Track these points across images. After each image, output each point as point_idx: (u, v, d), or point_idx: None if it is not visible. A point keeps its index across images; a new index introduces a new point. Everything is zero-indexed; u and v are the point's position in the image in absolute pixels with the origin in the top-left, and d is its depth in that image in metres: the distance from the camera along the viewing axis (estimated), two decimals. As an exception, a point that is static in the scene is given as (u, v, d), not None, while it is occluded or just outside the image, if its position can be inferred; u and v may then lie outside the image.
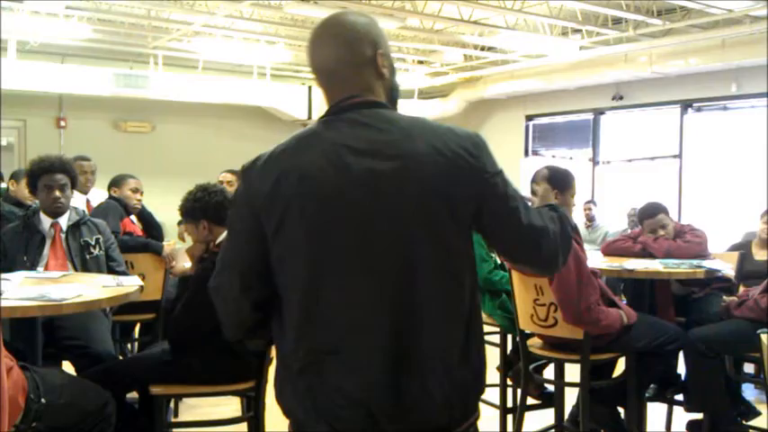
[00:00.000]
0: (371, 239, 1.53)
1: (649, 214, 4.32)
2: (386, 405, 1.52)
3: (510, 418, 3.87)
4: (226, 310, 1.69)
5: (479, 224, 1.63)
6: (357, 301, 1.53)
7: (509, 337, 3.97)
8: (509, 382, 3.92)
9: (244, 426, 3.24)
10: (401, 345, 1.53)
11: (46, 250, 3.72)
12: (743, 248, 4.83)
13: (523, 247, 1.69)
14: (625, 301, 4.01)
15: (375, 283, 1.53)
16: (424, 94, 12.60)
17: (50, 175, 3.73)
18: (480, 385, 1.67)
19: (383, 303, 1.53)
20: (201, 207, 3.20)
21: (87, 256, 3.75)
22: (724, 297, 3.88)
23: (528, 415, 3.67)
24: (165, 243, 4.72)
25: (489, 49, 10.54)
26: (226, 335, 1.76)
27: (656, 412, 4.18)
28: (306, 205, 1.53)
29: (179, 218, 3.41)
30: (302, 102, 12.20)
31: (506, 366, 3.93)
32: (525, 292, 3.45)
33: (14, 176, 5.66)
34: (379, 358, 1.52)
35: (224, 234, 3.16)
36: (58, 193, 3.72)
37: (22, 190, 5.35)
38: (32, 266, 3.63)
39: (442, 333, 1.56)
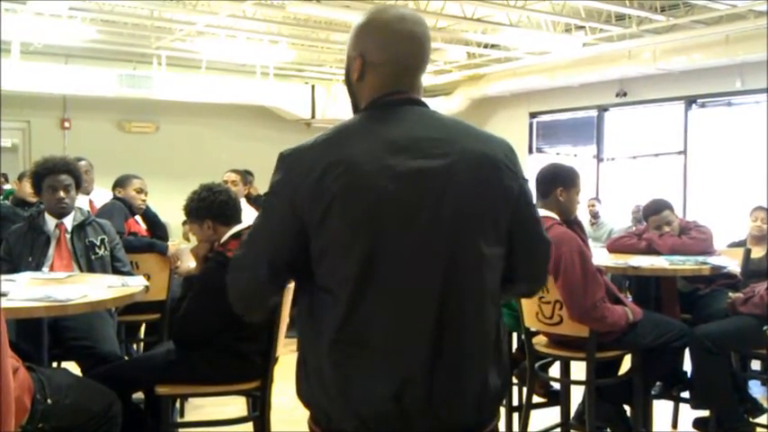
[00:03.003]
0: (415, 238, 1.53)
1: (654, 211, 4.31)
2: (418, 402, 1.53)
3: (516, 416, 3.86)
4: (246, 292, 1.66)
5: (510, 229, 1.65)
6: (398, 300, 1.53)
7: (514, 335, 3.97)
8: (515, 380, 3.91)
9: (249, 425, 3.24)
10: (439, 344, 1.54)
11: (51, 251, 3.72)
12: (741, 246, 4.82)
13: (539, 259, 1.76)
14: (630, 299, 4.00)
15: (417, 283, 1.54)
16: (428, 92, 12.59)
17: (55, 175, 3.74)
18: (505, 390, 1.69)
19: (424, 304, 1.54)
20: (206, 207, 3.20)
21: (92, 257, 3.76)
22: (730, 294, 3.86)
23: (534, 413, 3.67)
24: (169, 243, 4.73)
25: (492, 46, 10.52)
26: (237, 311, 1.70)
27: (662, 410, 4.17)
28: (352, 199, 1.51)
29: (183, 218, 3.41)
30: (306, 101, 12.21)
31: (512, 364, 3.92)
32: (530, 290, 3.44)
33: (19, 177, 5.82)
34: (416, 356, 1.53)
35: (229, 233, 3.17)
36: (62, 194, 3.73)
37: (23, 188, 5.49)
38: (37, 267, 3.64)
39: (479, 335, 1.59)
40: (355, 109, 1.72)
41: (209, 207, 3.20)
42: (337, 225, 1.52)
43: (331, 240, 1.53)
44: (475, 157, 1.59)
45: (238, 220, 3.25)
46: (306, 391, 1.63)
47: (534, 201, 1.74)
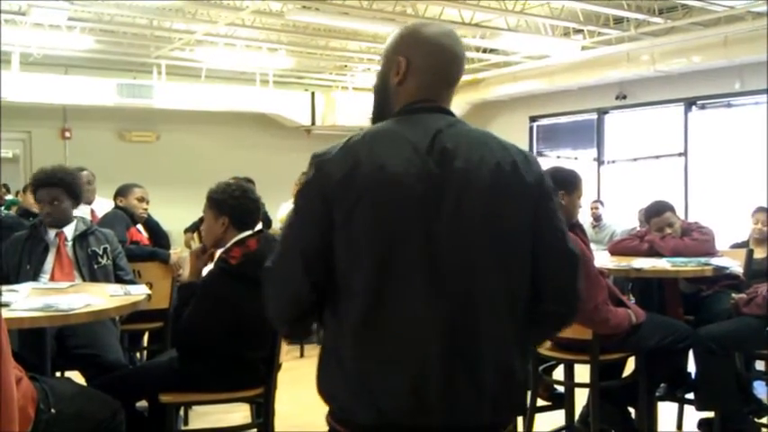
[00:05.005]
0: (436, 238, 1.58)
1: (656, 212, 4.31)
2: (435, 397, 1.57)
3: (520, 419, 3.85)
4: (282, 292, 1.70)
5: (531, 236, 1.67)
6: (417, 299, 1.58)
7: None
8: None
9: (254, 432, 3.24)
10: (455, 343, 1.58)
11: (49, 259, 3.72)
12: (743, 247, 4.81)
13: (565, 273, 1.73)
14: (633, 301, 4.00)
15: (436, 283, 1.58)
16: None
17: (44, 188, 3.76)
18: (525, 390, 1.74)
19: (442, 303, 1.58)
20: (232, 205, 3.15)
21: (95, 266, 3.76)
22: (733, 294, 3.86)
23: (538, 416, 3.66)
24: (171, 251, 4.73)
25: (491, 51, 10.55)
26: (275, 321, 1.76)
27: (666, 411, 4.17)
28: (378, 198, 1.58)
29: (185, 226, 3.40)
30: (305, 107, 12.23)
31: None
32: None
33: (24, 188, 5.93)
34: (433, 353, 1.57)
35: (233, 240, 3.15)
36: (47, 208, 3.74)
37: (27, 199, 5.58)
38: (35, 275, 3.64)
39: (497, 334, 1.61)
40: (378, 113, 1.77)
41: (235, 207, 3.15)
42: (362, 222, 1.58)
43: (355, 236, 1.59)
44: (493, 165, 1.62)
45: (250, 229, 3.21)
46: (325, 382, 1.67)
47: (558, 214, 1.75)
